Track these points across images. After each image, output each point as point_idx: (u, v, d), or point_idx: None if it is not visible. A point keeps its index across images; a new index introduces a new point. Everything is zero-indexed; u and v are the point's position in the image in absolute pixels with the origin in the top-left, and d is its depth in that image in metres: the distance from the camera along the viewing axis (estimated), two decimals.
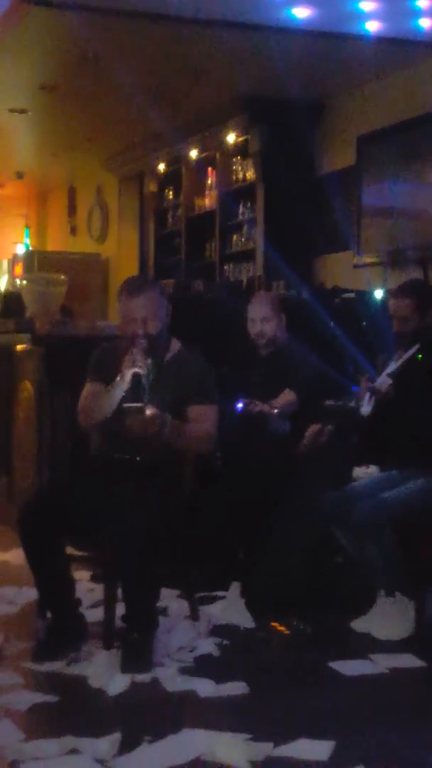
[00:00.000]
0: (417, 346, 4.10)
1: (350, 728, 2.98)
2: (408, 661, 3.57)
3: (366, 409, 4.05)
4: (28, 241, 12.69)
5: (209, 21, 5.67)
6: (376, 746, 2.85)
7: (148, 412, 3.47)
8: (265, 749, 2.77)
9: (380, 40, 6.16)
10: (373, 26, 5.94)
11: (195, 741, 2.82)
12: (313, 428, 4.26)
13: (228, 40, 6.32)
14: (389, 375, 4.09)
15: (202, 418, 3.68)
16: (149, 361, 3.56)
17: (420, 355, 4.09)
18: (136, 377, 3.49)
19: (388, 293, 4.59)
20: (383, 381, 4.07)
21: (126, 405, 3.48)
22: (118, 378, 3.55)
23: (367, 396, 4.07)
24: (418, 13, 5.71)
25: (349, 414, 4.19)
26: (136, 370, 3.50)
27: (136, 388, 3.48)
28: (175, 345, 3.80)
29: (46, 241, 12.86)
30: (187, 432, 3.63)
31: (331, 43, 6.25)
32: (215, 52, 6.68)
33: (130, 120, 8.63)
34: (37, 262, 10.59)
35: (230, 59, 6.83)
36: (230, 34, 6.14)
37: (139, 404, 3.46)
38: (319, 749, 2.78)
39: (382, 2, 5.56)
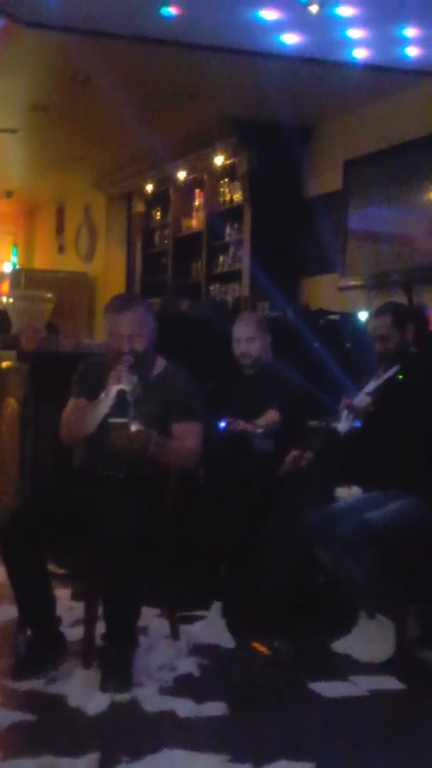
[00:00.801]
0: (397, 367, 4.13)
1: (330, 750, 2.97)
2: (388, 683, 3.56)
3: (343, 426, 4.07)
4: (15, 259, 12.70)
5: (199, 45, 5.71)
6: None
7: (134, 427, 3.48)
8: None
9: (368, 68, 6.22)
10: (361, 54, 5.99)
11: (174, 761, 2.81)
12: (293, 454, 4.28)
13: (218, 64, 6.37)
14: (368, 393, 4.12)
15: (187, 434, 3.69)
16: (135, 377, 3.57)
17: (400, 376, 4.11)
18: (121, 394, 3.50)
19: (371, 313, 4.62)
20: (362, 399, 4.10)
21: (112, 420, 3.49)
22: (102, 394, 3.56)
23: (344, 413, 4.09)
24: (405, 41, 5.78)
25: (332, 434, 4.20)
26: (122, 386, 3.51)
27: (121, 405, 3.49)
28: (161, 362, 3.81)
29: (33, 259, 12.88)
30: (172, 448, 3.63)
31: (320, 68, 6.31)
32: (205, 75, 6.73)
33: (120, 140, 8.67)
34: (24, 279, 10.60)
35: (220, 82, 6.88)
36: (220, 58, 6.19)
37: (124, 419, 3.46)
38: None
39: (370, 30, 5.62)
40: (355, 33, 5.68)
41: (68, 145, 9.04)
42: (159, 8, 5.32)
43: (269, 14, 5.34)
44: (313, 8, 4.93)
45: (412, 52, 5.92)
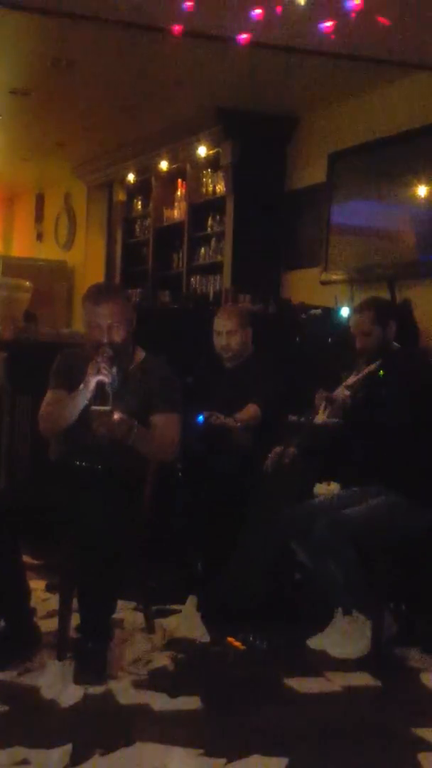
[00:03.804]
0: (378, 362, 4.10)
1: (304, 746, 2.96)
2: (363, 679, 3.56)
3: (319, 418, 4.04)
4: None
5: (185, 32, 5.66)
6: (329, 764, 2.84)
7: (116, 416, 3.46)
8: (217, 765, 2.74)
9: (353, 60, 6.19)
10: (346, 45, 5.96)
11: (147, 755, 2.78)
12: (275, 451, 4.25)
13: (203, 52, 6.32)
14: (347, 387, 4.09)
15: (166, 426, 3.66)
16: (114, 369, 3.53)
17: (381, 371, 4.09)
18: (100, 385, 3.46)
19: (353, 309, 4.60)
20: (340, 392, 4.07)
21: (93, 408, 3.46)
22: (82, 385, 3.53)
23: (322, 406, 4.07)
24: (389, 33, 5.74)
25: (310, 429, 4.18)
26: (101, 377, 3.48)
27: (100, 396, 3.46)
28: (140, 353, 3.78)
29: (11, 247, 12.77)
30: (152, 439, 3.60)
31: (306, 59, 6.28)
32: (190, 64, 6.68)
33: (101, 127, 8.60)
34: (1, 267, 10.51)
35: (205, 71, 6.84)
36: (206, 47, 6.14)
37: (107, 408, 3.44)
38: (272, 766, 2.75)
39: (354, 21, 5.58)
40: (340, 24, 5.64)
41: (49, 131, 8.96)
42: None
43: (256, 3, 5.31)
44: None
45: (397, 44, 5.90)
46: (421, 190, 6.46)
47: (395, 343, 4.21)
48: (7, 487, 5.12)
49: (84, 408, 3.52)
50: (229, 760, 2.76)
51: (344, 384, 4.12)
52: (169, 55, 6.38)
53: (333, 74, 6.64)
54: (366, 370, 4.12)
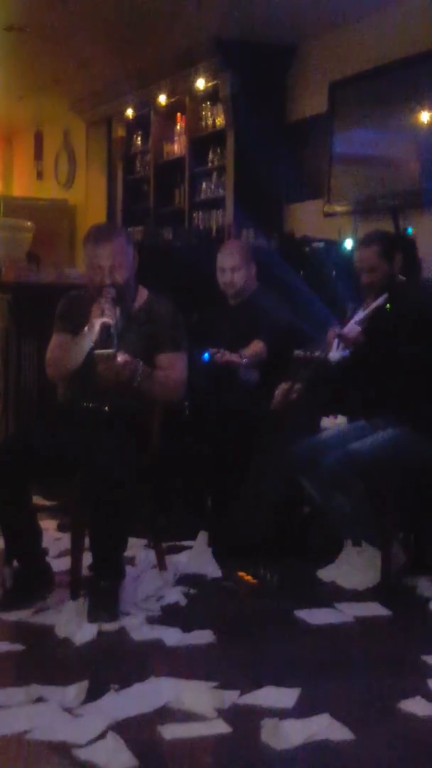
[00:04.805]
0: (385, 296, 4.06)
1: (315, 676, 3.00)
2: (374, 609, 3.60)
3: (334, 355, 4.02)
4: None
5: None
6: (341, 694, 2.88)
7: (120, 358, 3.45)
8: (231, 697, 2.79)
9: None
10: None
11: (161, 689, 2.83)
12: (282, 387, 4.24)
13: None
14: (357, 323, 4.06)
15: (172, 366, 3.66)
16: (117, 310, 3.52)
17: (389, 305, 4.06)
18: (104, 327, 3.45)
19: (356, 243, 4.55)
20: (352, 328, 4.04)
21: (97, 351, 3.46)
22: (86, 328, 3.52)
23: (335, 343, 4.04)
24: None
25: (318, 364, 4.17)
26: (105, 319, 3.47)
27: (105, 338, 3.45)
28: (143, 293, 3.76)
29: (11, 186, 12.64)
30: (158, 379, 3.60)
31: None
32: None
33: (98, 62, 8.45)
34: (2, 207, 10.42)
35: (201, 1, 6.68)
36: None
37: (110, 350, 3.43)
38: (285, 697, 2.80)
39: None
40: None
41: (46, 67, 8.80)
42: None
43: None
44: None
45: None
46: (425, 116, 6.35)
47: (401, 276, 4.17)
48: (16, 429, 5.14)
49: (89, 351, 3.52)
50: (242, 692, 2.81)
51: (353, 320, 4.08)
52: None
53: (330, 1, 6.48)
54: (374, 305, 4.08)
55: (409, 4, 6.49)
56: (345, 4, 6.60)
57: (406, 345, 3.90)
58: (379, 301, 4.06)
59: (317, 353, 4.08)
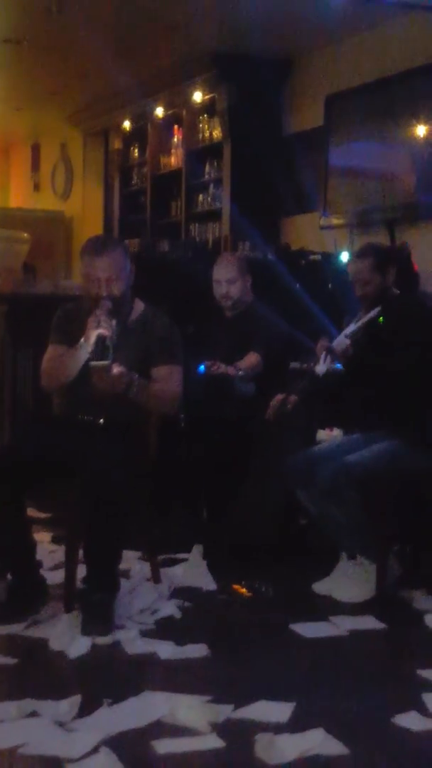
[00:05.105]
0: (378, 309, 4.08)
1: (310, 690, 2.99)
2: (368, 623, 3.59)
3: (321, 368, 4.03)
4: None
5: None
6: (336, 708, 2.87)
7: (115, 370, 3.45)
8: (225, 711, 2.77)
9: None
10: None
11: (155, 703, 2.82)
12: (277, 398, 4.25)
13: None
14: (347, 336, 4.07)
15: (167, 378, 3.65)
16: (113, 322, 3.52)
17: (381, 318, 4.07)
18: (100, 338, 3.45)
19: (351, 256, 4.56)
20: (341, 341, 4.05)
21: (92, 363, 3.46)
22: (82, 340, 3.52)
23: (323, 356, 4.05)
24: None
25: (313, 377, 4.17)
26: (101, 331, 3.46)
27: (100, 350, 3.45)
28: (139, 305, 3.76)
29: (8, 198, 12.67)
30: (153, 391, 3.60)
31: (301, 0, 6.17)
32: (183, 7, 6.56)
33: (96, 74, 8.48)
34: None
35: (199, 15, 6.72)
36: None
37: (105, 362, 3.43)
38: (279, 711, 2.78)
39: None
40: None
41: (43, 80, 8.84)
42: None
43: None
44: None
45: None
46: (420, 130, 6.39)
47: (395, 289, 4.18)
48: (12, 441, 5.13)
49: (85, 362, 3.52)
50: (236, 706, 2.80)
51: (344, 333, 4.10)
52: None
53: (328, 15, 6.51)
54: (366, 318, 4.10)
55: (405, 19, 6.53)
56: (341, 18, 6.62)
57: (399, 358, 3.91)
58: (372, 313, 4.07)
59: (309, 365, 4.10)
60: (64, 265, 10.34)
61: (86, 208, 10.70)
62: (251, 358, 4.53)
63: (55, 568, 3.92)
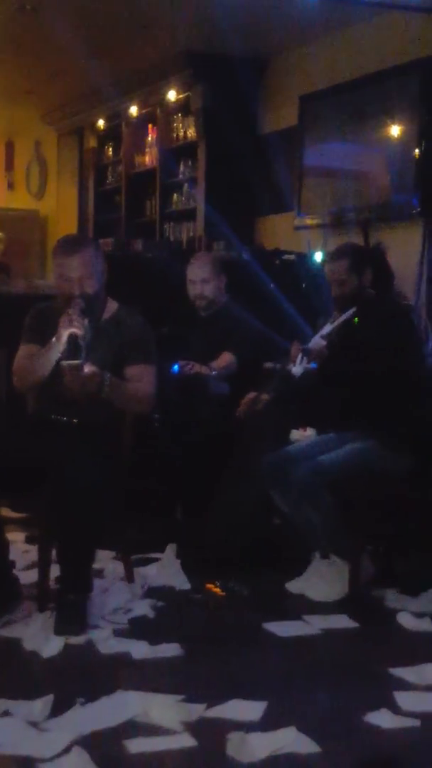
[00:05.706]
0: (353, 309, 4.09)
1: (283, 688, 3.00)
2: (342, 622, 3.60)
3: (297, 369, 4.04)
4: None
5: None
6: (308, 706, 2.88)
7: (87, 369, 3.44)
8: (197, 710, 2.78)
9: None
10: None
11: (128, 702, 2.81)
12: (249, 396, 4.25)
13: None
14: (323, 336, 4.08)
15: (141, 377, 3.65)
16: (86, 321, 3.51)
17: (356, 318, 4.08)
18: (72, 337, 3.44)
19: (327, 256, 4.57)
20: (316, 342, 4.06)
21: (64, 362, 3.44)
22: (53, 339, 3.51)
23: (299, 357, 4.06)
24: None
25: (287, 377, 4.18)
26: (73, 330, 3.45)
27: (72, 349, 3.44)
28: (113, 305, 3.75)
29: None
30: (127, 391, 3.60)
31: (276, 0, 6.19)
32: (158, 6, 6.56)
33: (70, 73, 8.46)
34: None
35: (173, 14, 6.71)
36: None
37: (77, 361, 3.42)
38: (251, 710, 2.79)
39: None
40: None
41: (16, 79, 8.81)
42: None
43: None
44: None
45: None
46: (394, 130, 6.42)
47: (370, 290, 4.19)
48: None
49: (56, 362, 3.51)
50: (209, 705, 2.80)
51: (320, 334, 4.11)
52: None
53: (302, 15, 6.53)
54: (341, 318, 4.11)
55: (378, 20, 6.56)
56: (315, 19, 6.65)
57: (373, 359, 3.92)
58: (347, 314, 4.08)
59: (284, 366, 4.10)
60: (38, 264, 10.31)
61: (61, 207, 10.67)
62: (225, 358, 4.54)
63: (29, 568, 3.90)
